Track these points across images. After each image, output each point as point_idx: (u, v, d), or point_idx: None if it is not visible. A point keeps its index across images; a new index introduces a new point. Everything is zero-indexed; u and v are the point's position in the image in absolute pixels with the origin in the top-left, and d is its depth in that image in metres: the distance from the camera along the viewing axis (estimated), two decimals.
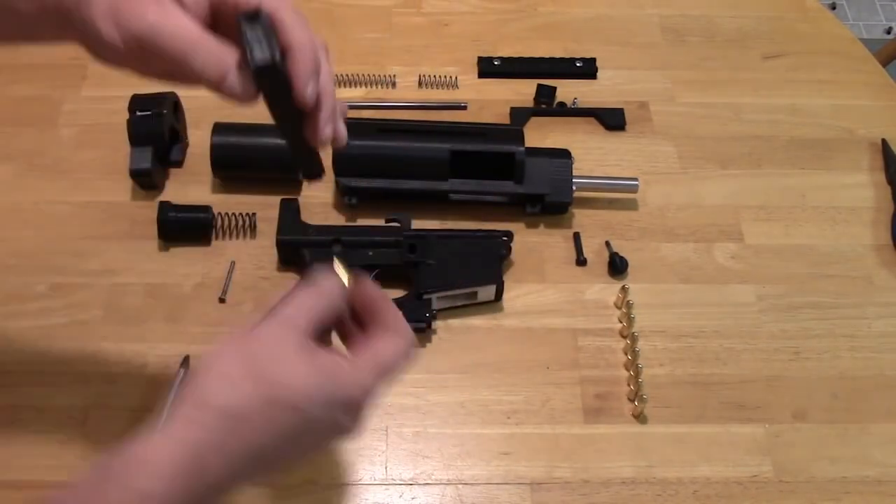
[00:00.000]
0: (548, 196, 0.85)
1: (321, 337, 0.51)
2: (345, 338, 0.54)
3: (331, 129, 0.52)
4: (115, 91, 0.94)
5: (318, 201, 0.87)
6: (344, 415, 0.48)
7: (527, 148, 0.84)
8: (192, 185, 0.88)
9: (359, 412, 0.49)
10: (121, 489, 0.43)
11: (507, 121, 0.95)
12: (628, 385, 0.76)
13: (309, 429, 0.46)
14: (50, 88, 0.95)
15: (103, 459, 0.45)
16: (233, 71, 0.49)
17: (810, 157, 0.94)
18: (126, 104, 0.85)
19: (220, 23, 0.51)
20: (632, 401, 0.75)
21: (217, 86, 0.49)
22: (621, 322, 0.81)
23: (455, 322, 0.80)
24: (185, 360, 0.75)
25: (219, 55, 0.48)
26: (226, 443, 0.44)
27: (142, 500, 0.43)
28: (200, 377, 0.46)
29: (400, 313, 0.53)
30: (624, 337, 0.80)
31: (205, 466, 0.44)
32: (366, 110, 0.95)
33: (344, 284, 0.52)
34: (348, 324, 0.53)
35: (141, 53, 0.48)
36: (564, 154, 0.86)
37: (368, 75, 0.98)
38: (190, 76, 0.49)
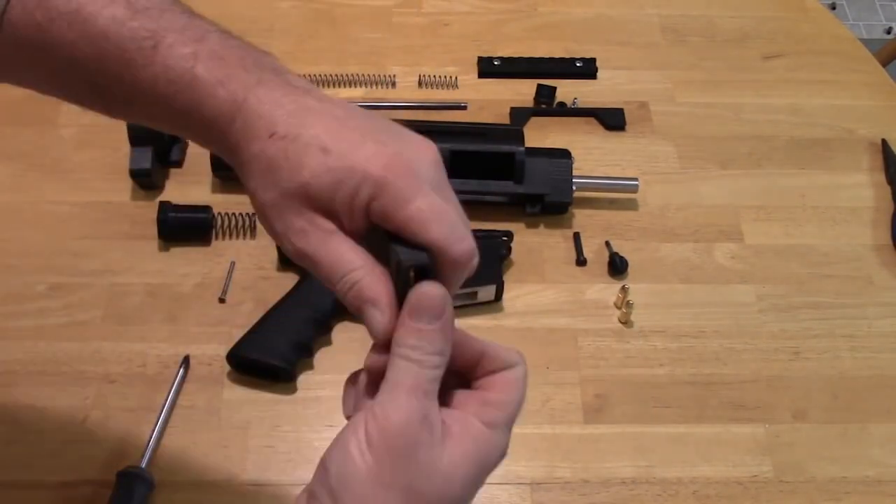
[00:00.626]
0: (547, 196, 0.85)
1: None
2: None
3: None
4: None
5: None
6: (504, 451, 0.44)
7: (527, 148, 0.84)
8: (192, 185, 0.88)
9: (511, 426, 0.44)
10: None
11: (507, 121, 0.95)
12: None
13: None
14: None
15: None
16: (383, 307, 0.42)
17: (810, 157, 0.94)
18: None
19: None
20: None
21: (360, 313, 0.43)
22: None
23: (455, 322, 0.80)
24: (185, 360, 0.75)
25: (374, 291, 0.42)
26: None
27: None
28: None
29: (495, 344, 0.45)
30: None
31: None
32: (366, 109, 0.95)
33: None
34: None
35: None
36: (564, 154, 0.86)
37: (368, 75, 0.98)
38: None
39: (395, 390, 0.40)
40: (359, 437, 0.39)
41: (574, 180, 0.85)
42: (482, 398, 0.43)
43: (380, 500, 0.38)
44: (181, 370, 0.75)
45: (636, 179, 0.87)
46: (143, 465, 0.69)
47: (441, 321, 0.41)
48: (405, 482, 0.39)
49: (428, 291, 0.40)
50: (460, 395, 0.44)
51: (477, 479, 0.41)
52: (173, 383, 0.74)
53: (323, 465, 0.40)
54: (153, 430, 0.71)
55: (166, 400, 0.73)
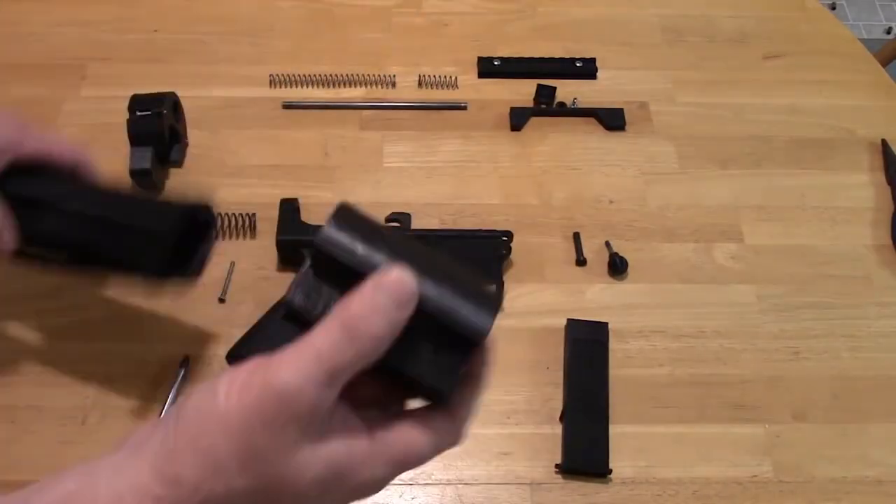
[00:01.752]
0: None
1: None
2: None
3: None
4: (115, 91, 0.94)
5: (319, 201, 0.87)
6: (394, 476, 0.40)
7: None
8: (192, 186, 0.88)
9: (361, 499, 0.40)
10: None
11: (506, 121, 0.95)
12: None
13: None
14: (50, 88, 0.95)
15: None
16: None
17: (810, 157, 0.94)
18: (126, 104, 0.85)
19: None
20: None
21: None
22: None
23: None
24: (185, 360, 0.75)
25: None
26: None
27: None
28: (182, 440, 0.37)
29: (475, 403, 0.42)
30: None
31: None
32: (366, 110, 0.95)
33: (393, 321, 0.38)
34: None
35: None
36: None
37: (368, 75, 0.98)
38: None
39: (305, 351, 0.36)
40: (237, 377, 0.37)
41: None
42: (387, 426, 0.40)
43: (216, 451, 0.36)
44: (181, 370, 0.74)
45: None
46: None
47: (399, 311, 0.37)
48: (254, 448, 0.36)
49: (406, 279, 0.37)
50: (373, 412, 0.40)
51: (329, 490, 0.38)
52: (174, 383, 0.74)
53: (189, 391, 0.38)
54: None
55: (167, 400, 0.73)
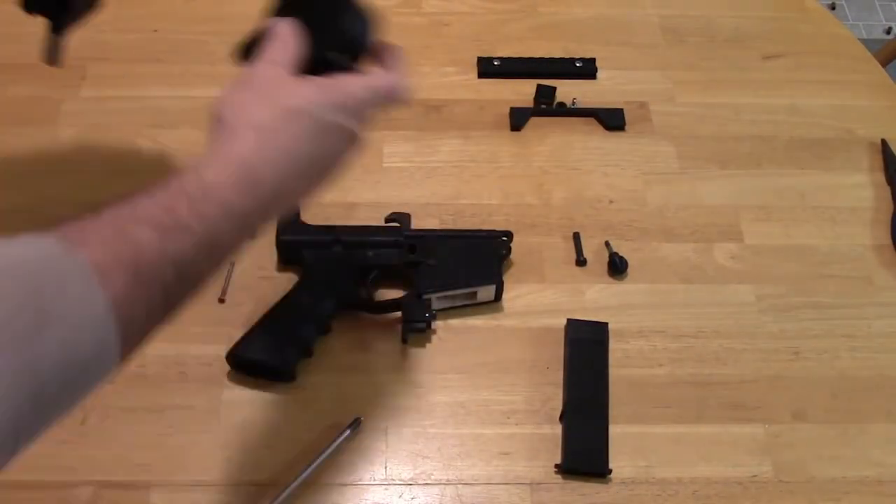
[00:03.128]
0: None
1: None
2: None
3: None
4: (115, 91, 0.95)
5: (318, 201, 0.86)
6: (348, 118, 0.54)
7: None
8: None
9: (359, 115, 0.55)
10: (194, 201, 0.47)
11: (506, 121, 0.95)
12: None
13: (324, 131, 0.53)
14: (50, 88, 0.95)
15: (157, 186, 0.48)
16: None
17: (810, 157, 0.94)
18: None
19: None
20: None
21: None
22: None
23: (455, 322, 0.80)
24: (356, 422, 0.75)
25: None
26: (266, 151, 0.51)
27: (225, 213, 0.48)
28: (219, 114, 0.52)
29: (399, 56, 0.61)
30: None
31: (257, 178, 0.50)
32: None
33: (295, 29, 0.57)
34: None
35: None
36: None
37: None
38: None
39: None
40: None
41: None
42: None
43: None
44: (348, 431, 0.73)
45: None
46: None
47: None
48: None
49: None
50: None
51: (325, 96, 0.54)
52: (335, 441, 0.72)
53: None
54: None
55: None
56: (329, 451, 0.71)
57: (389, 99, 0.58)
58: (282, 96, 0.53)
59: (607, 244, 0.85)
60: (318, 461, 0.70)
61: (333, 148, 0.55)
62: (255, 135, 0.51)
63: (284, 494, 0.68)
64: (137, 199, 0.47)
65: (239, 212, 0.49)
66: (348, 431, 0.72)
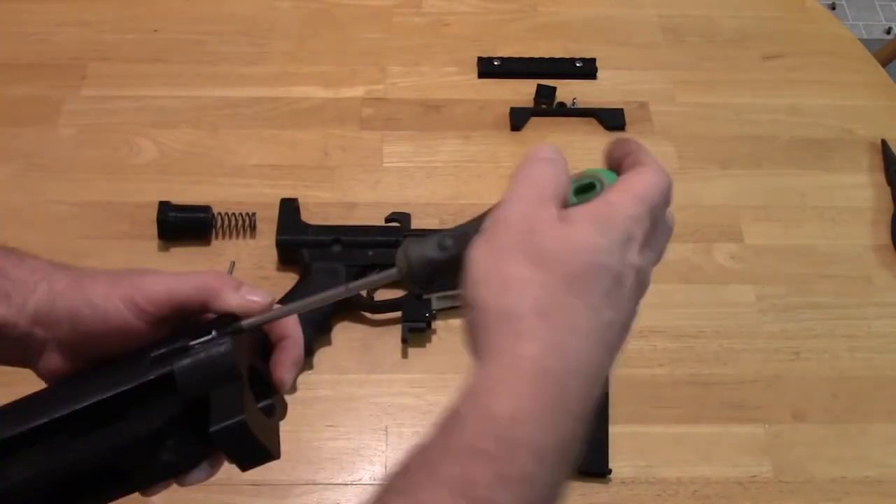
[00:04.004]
0: None
1: None
2: None
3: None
4: (115, 91, 0.95)
5: (318, 201, 0.87)
6: (631, 252, 0.41)
7: None
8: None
9: (639, 242, 0.42)
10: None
11: (506, 121, 0.95)
12: None
13: (614, 279, 0.40)
14: (50, 88, 0.95)
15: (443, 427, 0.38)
16: None
17: (810, 157, 0.94)
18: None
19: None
20: None
21: None
22: None
23: (455, 322, 0.80)
24: None
25: None
26: (562, 338, 0.38)
27: (537, 458, 0.36)
28: (484, 303, 0.39)
29: (645, 149, 0.47)
30: None
31: (563, 386, 0.38)
32: (366, 110, 0.95)
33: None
34: None
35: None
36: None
37: (368, 75, 0.98)
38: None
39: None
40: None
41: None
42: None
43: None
44: None
45: None
46: None
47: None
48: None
49: None
50: None
51: (601, 234, 0.40)
52: None
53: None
54: None
55: None
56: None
57: (666, 199, 0.44)
58: (555, 252, 0.39)
59: None
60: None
61: (627, 296, 0.42)
62: (543, 323, 0.38)
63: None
64: (431, 455, 0.37)
65: (554, 444, 0.37)
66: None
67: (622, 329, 0.42)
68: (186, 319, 0.47)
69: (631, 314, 0.43)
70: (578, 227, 0.40)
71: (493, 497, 0.35)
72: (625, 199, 0.42)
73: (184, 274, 0.47)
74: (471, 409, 0.37)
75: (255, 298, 0.47)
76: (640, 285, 0.43)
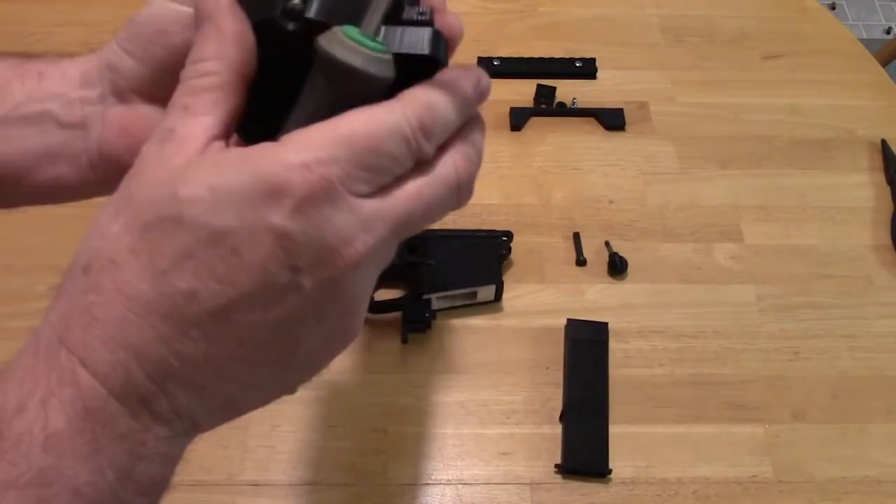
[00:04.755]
0: None
1: None
2: None
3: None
4: None
5: None
6: (279, 213, 0.28)
7: None
8: None
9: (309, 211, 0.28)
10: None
11: (506, 121, 0.95)
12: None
13: (235, 262, 0.28)
14: None
15: None
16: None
17: (810, 157, 0.94)
18: None
19: None
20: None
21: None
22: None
23: (455, 322, 0.80)
24: None
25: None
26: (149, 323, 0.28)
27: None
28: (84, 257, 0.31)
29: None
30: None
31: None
32: None
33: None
34: None
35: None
36: None
37: None
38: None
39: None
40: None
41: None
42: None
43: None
44: None
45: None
46: None
47: None
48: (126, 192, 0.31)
49: None
50: None
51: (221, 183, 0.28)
52: None
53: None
54: None
55: None
56: None
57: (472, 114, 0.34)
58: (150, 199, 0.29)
59: (607, 244, 0.85)
60: None
61: (266, 302, 0.29)
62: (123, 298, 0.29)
63: None
64: None
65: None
66: None
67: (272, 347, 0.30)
68: None
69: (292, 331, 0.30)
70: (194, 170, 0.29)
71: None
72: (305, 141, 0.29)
73: None
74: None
75: None
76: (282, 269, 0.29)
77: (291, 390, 0.35)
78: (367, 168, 0.29)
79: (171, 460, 0.31)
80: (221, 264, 0.28)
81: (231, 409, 0.33)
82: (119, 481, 0.28)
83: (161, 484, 0.31)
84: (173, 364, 0.29)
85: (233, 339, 0.29)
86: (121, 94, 0.40)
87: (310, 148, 0.28)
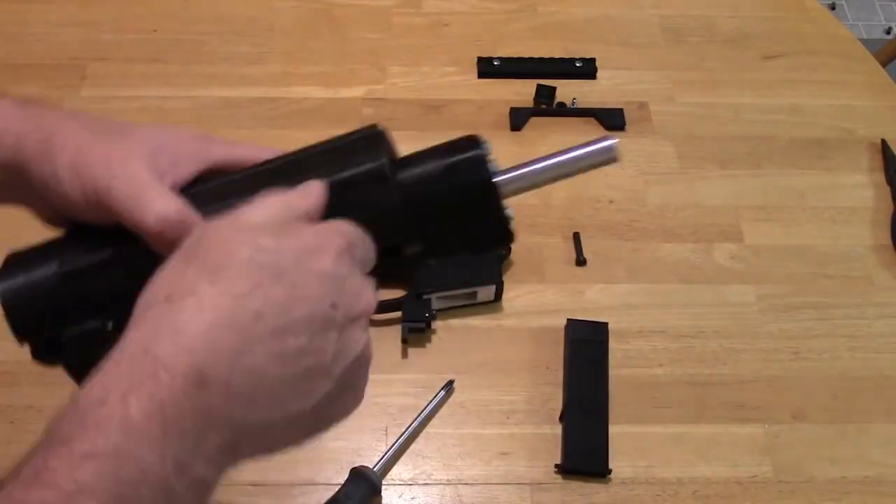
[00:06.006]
0: None
1: None
2: None
3: None
4: (115, 91, 0.95)
5: None
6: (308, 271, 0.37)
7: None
8: None
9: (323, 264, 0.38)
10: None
11: (506, 121, 0.95)
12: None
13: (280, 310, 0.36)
14: (50, 88, 0.95)
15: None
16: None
17: (810, 157, 0.94)
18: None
19: None
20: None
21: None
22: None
23: (455, 322, 0.80)
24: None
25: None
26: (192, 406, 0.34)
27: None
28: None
29: None
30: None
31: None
32: (366, 110, 0.95)
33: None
34: None
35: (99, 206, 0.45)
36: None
37: (368, 75, 0.98)
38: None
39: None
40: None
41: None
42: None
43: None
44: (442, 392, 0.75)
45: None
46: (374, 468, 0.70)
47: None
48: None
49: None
50: None
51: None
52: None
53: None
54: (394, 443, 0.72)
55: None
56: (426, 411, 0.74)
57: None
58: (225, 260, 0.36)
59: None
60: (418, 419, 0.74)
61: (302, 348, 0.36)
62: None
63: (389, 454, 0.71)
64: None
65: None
66: (443, 393, 0.75)
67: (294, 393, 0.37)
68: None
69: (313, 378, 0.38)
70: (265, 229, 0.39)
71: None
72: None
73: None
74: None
75: None
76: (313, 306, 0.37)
77: (303, 439, 0.43)
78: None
79: (217, 466, 0.35)
80: (283, 294, 0.36)
81: (265, 440, 0.38)
82: (175, 474, 0.33)
83: (208, 484, 0.35)
84: (237, 377, 0.35)
85: (285, 361, 0.36)
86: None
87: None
